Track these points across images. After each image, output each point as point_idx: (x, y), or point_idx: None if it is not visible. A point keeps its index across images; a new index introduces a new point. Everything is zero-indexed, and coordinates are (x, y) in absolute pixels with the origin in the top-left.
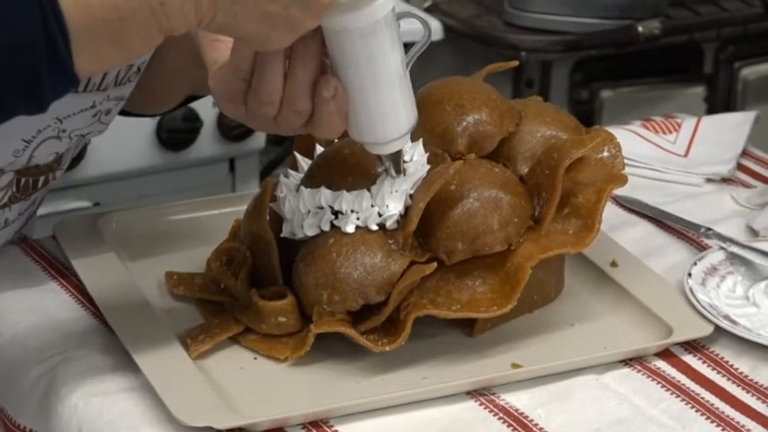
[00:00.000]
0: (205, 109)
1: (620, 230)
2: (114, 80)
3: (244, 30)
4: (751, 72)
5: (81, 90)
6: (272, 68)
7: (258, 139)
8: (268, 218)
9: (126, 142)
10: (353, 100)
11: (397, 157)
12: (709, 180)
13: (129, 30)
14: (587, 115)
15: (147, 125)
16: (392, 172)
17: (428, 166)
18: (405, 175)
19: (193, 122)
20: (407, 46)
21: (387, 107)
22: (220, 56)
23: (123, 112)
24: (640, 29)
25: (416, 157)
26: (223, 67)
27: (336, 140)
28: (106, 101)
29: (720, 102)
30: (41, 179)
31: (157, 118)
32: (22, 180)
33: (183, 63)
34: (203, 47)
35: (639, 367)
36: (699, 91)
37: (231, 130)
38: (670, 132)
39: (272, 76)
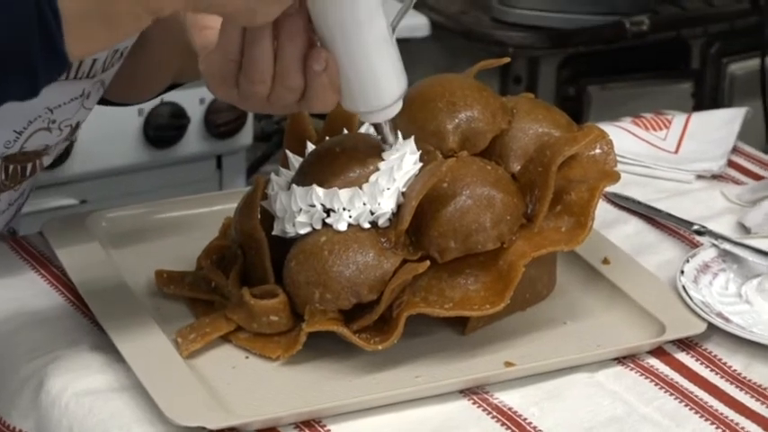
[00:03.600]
0: (192, 106)
1: (611, 228)
2: (102, 66)
3: (231, 5)
4: (738, 68)
5: (72, 77)
6: (260, 46)
7: (245, 136)
8: (259, 216)
9: (112, 139)
10: (344, 70)
11: (391, 125)
12: (699, 177)
13: (118, 11)
14: (575, 111)
15: (134, 122)
16: (390, 140)
17: (420, 164)
18: (399, 143)
19: (180, 119)
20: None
21: (377, 73)
22: (210, 42)
23: (106, 102)
24: (628, 25)
25: (408, 155)
26: (212, 51)
27: (327, 138)
28: (90, 86)
29: (708, 97)
30: (29, 166)
31: (144, 115)
32: (11, 167)
33: (169, 52)
34: (193, 35)
35: (632, 365)
36: (686, 87)
37: (218, 127)
38: (660, 129)
39: (261, 53)
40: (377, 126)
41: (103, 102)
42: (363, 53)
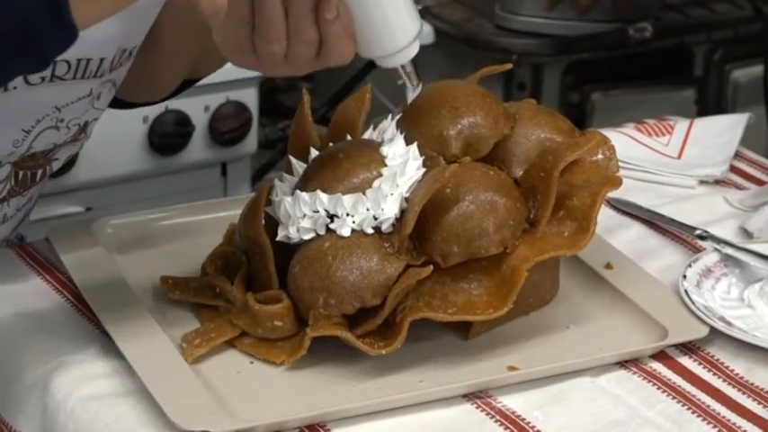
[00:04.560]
0: (197, 113)
1: (614, 233)
2: (110, 66)
3: None
4: (741, 74)
5: (79, 77)
6: (270, 3)
7: (250, 144)
8: (263, 222)
9: (117, 147)
10: (356, 17)
11: (411, 67)
12: (702, 182)
13: None
14: (579, 118)
15: (139, 130)
16: (412, 82)
17: (423, 170)
18: (397, 137)
19: (185, 127)
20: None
21: (390, 15)
22: (219, 9)
23: (123, 104)
24: (631, 32)
25: (412, 161)
26: (224, 20)
27: (331, 144)
28: (99, 86)
29: (711, 104)
30: (39, 172)
31: (149, 123)
32: (20, 173)
33: (180, 39)
34: (201, 5)
35: (635, 369)
36: (689, 93)
37: (223, 135)
38: (663, 135)
39: (271, 11)
40: (395, 71)
41: (115, 103)
42: None
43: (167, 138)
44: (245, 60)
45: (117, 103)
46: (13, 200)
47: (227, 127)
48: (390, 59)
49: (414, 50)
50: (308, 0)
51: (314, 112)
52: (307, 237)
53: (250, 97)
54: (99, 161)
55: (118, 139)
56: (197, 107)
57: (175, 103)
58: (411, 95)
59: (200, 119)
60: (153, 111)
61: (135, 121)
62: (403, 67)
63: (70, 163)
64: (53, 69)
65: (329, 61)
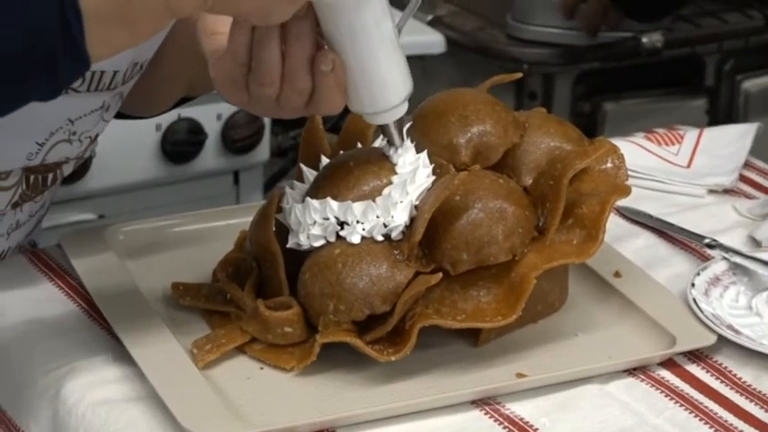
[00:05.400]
0: (209, 121)
1: (623, 241)
2: (122, 79)
3: (246, 4)
4: (753, 85)
5: (93, 89)
6: (269, 48)
7: (262, 152)
8: (274, 229)
9: (130, 155)
10: (351, 72)
11: (399, 126)
12: (711, 191)
13: (138, 12)
14: (590, 127)
15: (152, 138)
16: (396, 141)
17: (433, 177)
18: (407, 145)
19: (198, 135)
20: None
21: (384, 74)
22: (219, 47)
23: (120, 115)
24: (643, 41)
25: (421, 168)
26: (222, 56)
27: (341, 152)
28: (110, 98)
29: (722, 114)
30: (50, 176)
31: (162, 131)
32: (32, 177)
33: (180, 63)
34: (203, 40)
35: (643, 377)
36: (701, 103)
37: (235, 143)
38: (672, 144)
39: (269, 56)
40: (384, 128)
41: (119, 115)
42: (370, 55)
43: (180, 146)
44: (237, 98)
45: (118, 115)
46: (25, 205)
47: (239, 135)
48: (379, 117)
49: (402, 110)
50: (305, 50)
51: (325, 121)
52: (317, 244)
53: None
54: (112, 169)
55: (131, 146)
56: (210, 115)
57: (188, 112)
58: (394, 156)
59: (212, 127)
60: (165, 119)
61: (148, 129)
62: (390, 125)
63: (83, 170)
64: None
65: (318, 110)
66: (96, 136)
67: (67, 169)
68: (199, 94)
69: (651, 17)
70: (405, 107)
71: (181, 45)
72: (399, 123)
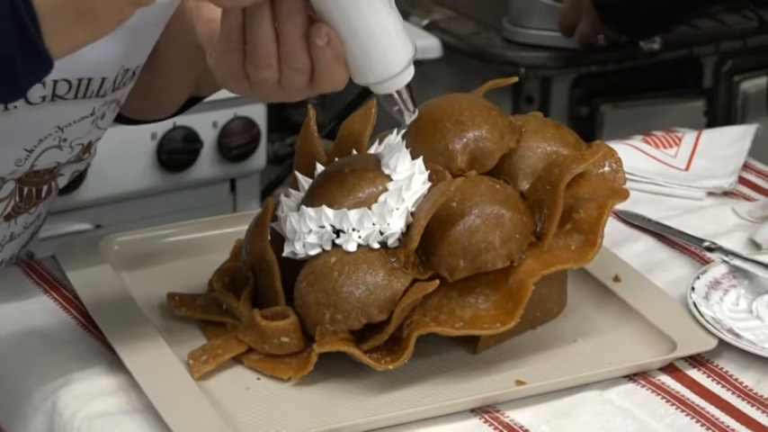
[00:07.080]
0: (205, 130)
1: (622, 245)
2: (112, 86)
3: None
4: (751, 85)
5: (81, 96)
6: (260, 29)
7: (259, 160)
8: (269, 238)
9: (126, 164)
10: (348, 43)
11: (407, 93)
12: (710, 194)
13: (96, 5)
14: (588, 131)
15: (147, 146)
16: (408, 108)
17: (429, 184)
18: (403, 150)
19: (193, 143)
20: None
21: (381, 41)
22: (215, 34)
23: (127, 120)
24: (640, 44)
25: (417, 175)
26: (217, 45)
27: (337, 159)
28: (103, 106)
29: (720, 115)
30: (44, 188)
31: (157, 139)
32: (25, 189)
33: (181, 60)
34: (199, 30)
35: (644, 382)
36: (699, 105)
37: (231, 151)
38: (671, 146)
39: (262, 36)
40: (391, 97)
41: (123, 119)
42: (363, 22)
43: (176, 154)
44: (239, 86)
45: (122, 119)
46: (20, 217)
47: (235, 143)
48: (384, 86)
49: (408, 76)
50: (298, 27)
51: (322, 128)
52: (313, 252)
53: (258, 113)
54: (107, 178)
55: (126, 156)
56: (205, 123)
57: (183, 120)
58: (408, 121)
59: (208, 135)
60: (161, 127)
61: (143, 138)
62: (399, 92)
63: (79, 180)
64: (53, 89)
65: (322, 88)
66: (91, 143)
67: (63, 181)
68: (207, 94)
69: (643, 35)
70: (410, 72)
71: (180, 43)
72: (409, 89)
